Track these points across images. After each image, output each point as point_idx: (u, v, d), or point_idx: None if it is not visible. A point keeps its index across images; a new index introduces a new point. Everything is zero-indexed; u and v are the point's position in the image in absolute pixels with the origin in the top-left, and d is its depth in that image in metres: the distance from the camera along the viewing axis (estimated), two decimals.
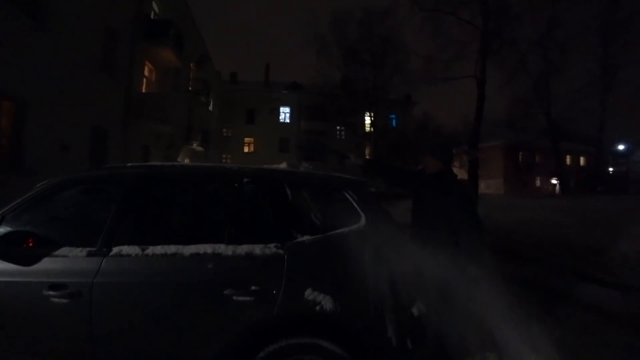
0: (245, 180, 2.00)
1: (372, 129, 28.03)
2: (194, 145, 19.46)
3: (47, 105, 7.89)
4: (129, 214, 1.92)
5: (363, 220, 2.00)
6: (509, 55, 16.65)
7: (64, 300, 1.72)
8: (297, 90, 33.19)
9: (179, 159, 16.99)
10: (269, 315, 1.72)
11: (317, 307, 1.72)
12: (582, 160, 37.65)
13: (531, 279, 5.43)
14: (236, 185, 2.00)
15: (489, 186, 31.98)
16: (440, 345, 2.29)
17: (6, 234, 1.89)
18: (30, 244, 1.89)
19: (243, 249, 1.81)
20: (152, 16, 13.55)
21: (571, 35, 19.69)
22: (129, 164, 2.17)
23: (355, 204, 2.05)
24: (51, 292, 1.72)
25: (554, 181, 31.94)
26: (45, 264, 1.79)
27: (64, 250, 1.83)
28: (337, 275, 1.85)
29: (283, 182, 2.05)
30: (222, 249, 1.79)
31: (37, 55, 7.52)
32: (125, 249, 1.80)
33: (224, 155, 31.17)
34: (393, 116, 32.49)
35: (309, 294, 1.73)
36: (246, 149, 33.10)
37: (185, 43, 15.33)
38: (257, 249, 1.81)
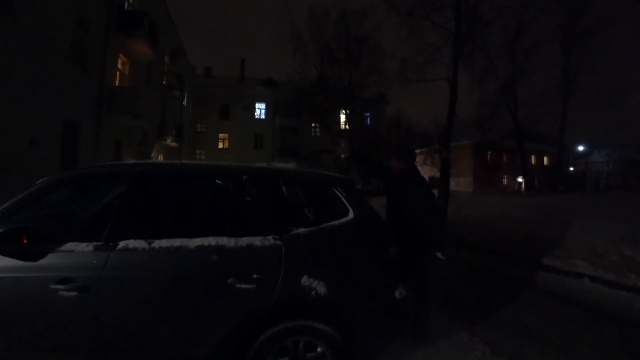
0: (243, 177, 2.14)
1: (347, 127, 28.38)
2: (168, 141, 19.04)
3: (13, 98, 7.54)
4: (134, 210, 2.02)
5: (351, 214, 2.20)
6: (479, 59, 17.46)
7: (72, 294, 1.80)
8: (273, 87, 33.00)
9: (152, 155, 16.59)
10: (270, 300, 1.88)
11: (313, 292, 1.91)
12: (545, 160, 39.78)
13: (496, 269, 5.88)
14: (235, 182, 2.15)
15: (459, 184, 33.23)
16: (416, 322, 2.70)
17: (3, 232, 1.93)
18: (25, 241, 1.95)
19: (244, 241, 1.96)
20: (125, 7, 13.14)
21: (536, 43, 20.90)
22: (130, 162, 2.26)
23: (343, 199, 2.25)
24: (59, 286, 1.79)
25: (519, 179, 33.64)
26: (51, 259, 1.85)
27: (69, 246, 1.89)
28: (330, 263, 2.05)
29: (278, 180, 2.22)
30: (225, 241, 1.94)
31: (3, 45, 7.17)
32: (132, 243, 1.90)
33: (197, 151, 30.56)
34: (367, 114, 32.99)
35: (304, 280, 1.92)
36: (220, 145, 32.58)
37: (160, 35, 14.96)
38: (257, 240, 1.97)
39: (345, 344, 1.99)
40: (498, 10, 12.87)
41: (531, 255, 6.32)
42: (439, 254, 2.79)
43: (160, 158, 18.43)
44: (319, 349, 2.00)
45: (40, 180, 2.13)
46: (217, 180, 2.52)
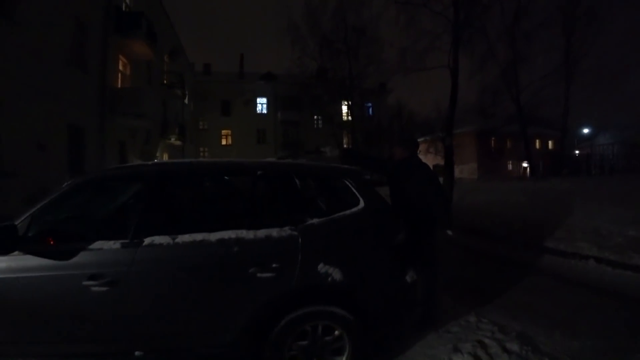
0: (258, 172, 2.25)
1: (349, 118, 28.34)
2: (172, 140, 19.18)
3: (20, 104, 7.67)
4: (156, 208, 2.14)
5: (361, 203, 2.31)
6: (479, 45, 17.33)
7: (103, 289, 1.93)
8: (273, 81, 32.95)
9: (157, 155, 16.73)
10: (289, 287, 2.01)
11: (329, 279, 2.03)
12: (550, 144, 39.45)
13: (501, 254, 5.99)
14: (251, 177, 2.26)
15: (463, 171, 33.19)
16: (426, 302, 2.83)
17: (35, 234, 2.06)
18: (51, 243, 2.08)
19: (262, 232, 2.08)
20: (123, 8, 13.17)
21: (536, 26, 20.67)
22: (150, 162, 2.37)
23: (354, 190, 2.36)
24: (91, 282, 1.92)
25: (524, 165, 33.53)
26: (82, 257, 1.98)
27: (98, 244, 2.02)
28: (343, 250, 2.17)
29: (292, 173, 2.33)
30: (245, 233, 2.06)
31: (6, 52, 7.26)
32: (157, 239, 2.02)
33: (201, 149, 30.71)
34: (369, 105, 32.92)
35: (321, 267, 2.04)
36: (223, 142, 32.71)
37: (158, 35, 15.00)
38: (275, 232, 2.09)
39: (361, 326, 2.12)
40: None
41: (535, 239, 6.41)
42: (449, 232, 2.97)
43: (165, 157, 18.60)
44: (336, 332, 2.12)
45: (67, 183, 2.24)
46: (226, 177, 2.62)
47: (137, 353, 1.98)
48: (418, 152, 3.28)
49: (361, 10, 23.79)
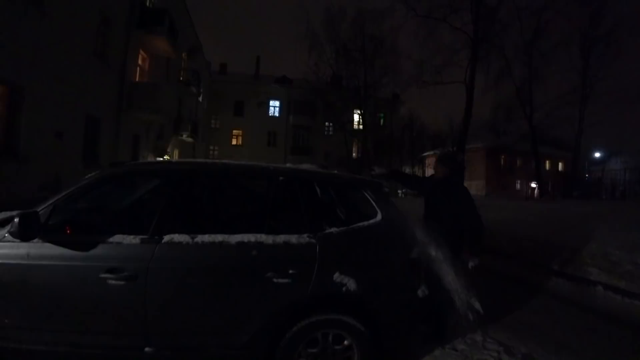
0: (280, 178, 2.29)
1: (360, 127, 28.41)
2: (184, 137, 19.39)
3: (42, 92, 7.86)
4: (178, 206, 2.18)
5: (379, 215, 2.34)
6: (495, 61, 17.39)
7: (121, 283, 1.96)
8: (287, 85, 33.20)
9: (168, 150, 16.92)
10: (304, 294, 2.03)
11: (344, 288, 2.05)
12: (560, 166, 39.08)
13: (509, 273, 5.93)
14: (273, 182, 2.29)
15: (471, 187, 32.80)
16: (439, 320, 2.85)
17: (56, 223, 2.11)
18: (69, 232, 2.12)
19: (281, 238, 2.11)
20: (147, 4, 13.44)
21: (554, 46, 20.62)
22: (175, 160, 2.42)
23: (372, 202, 2.38)
24: (108, 275, 1.95)
25: (533, 185, 33.21)
26: (101, 249, 2.02)
27: (117, 238, 2.05)
28: (359, 261, 2.19)
29: (313, 181, 2.36)
30: (264, 238, 2.09)
31: (32, 40, 7.47)
32: (177, 237, 2.06)
33: (211, 147, 30.98)
34: (381, 114, 32.98)
35: (337, 277, 2.06)
36: (234, 142, 32.98)
37: (179, 32, 15.26)
38: (293, 238, 2.12)
39: (371, 337, 2.13)
40: (516, 12, 12.82)
41: (544, 260, 6.35)
42: (470, 263, 3.02)
43: (176, 153, 18.79)
44: (346, 342, 2.14)
45: (91, 174, 2.29)
46: (249, 180, 2.67)
47: (147, 349, 2.00)
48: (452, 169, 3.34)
49: (381, 21, 24.01)
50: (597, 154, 36.53)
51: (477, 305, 3.03)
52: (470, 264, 3.05)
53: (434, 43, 13.49)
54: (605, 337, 3.47)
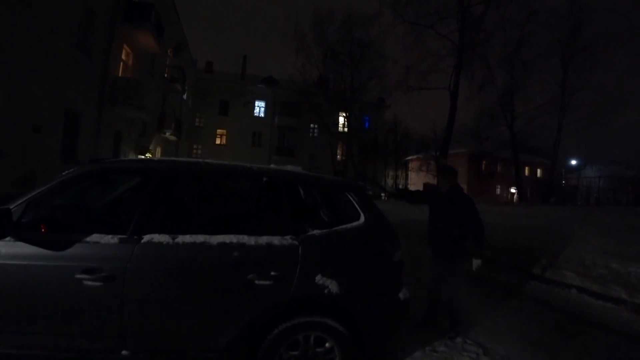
0: (264, 179, 2.27)
1: (345, 130, 28.55)
2: (167, 134, 19.04)
3: (20, 83, 7.56)
4: (159, 205, 2.13)
5: (362, 218, 2.35)
6: (479, 70, 17.80)
7: (97, 284, 1.89)
8: (274, 85, 33.04)
9: (151, 148, 16.58)
10: (286, 296, 2.02)
11: (325, 291, 2.05)
12: (539, 172, 40.21)
13: (487, 277, 6.04)
14: (257, 183, 2.27)
15: None
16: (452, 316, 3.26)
17: (29, 221, 2.02)
18: (43, 231, 2.03)
19: (264, 239, 2.09)
20: None
21: (536, 56, 21.27)
22: (157, 158, 2.36)
23: (355, 204, 2.39)
24: (84, 276, 1.88)
25: (512, 190, 34.05)
26: (77, 249, 1.94)
27: (94, 237, 1.98)
28: (342, 263, 2.19)
29: (296, 183, 2.35)
30: (246, 239, 2.07)
31: (12, 30, 7.18)
32: (157, 237, 2.01)
33: (195, 146, 30.52)
34: (366, 118, 33.22)
35: (319, 279, 2.06)
36: (218, 141, 32.52)
37: (165, 28, 14.99)
38: (276, 240, 2.10)
39: (352, 339, 2.13)
40: (500, 22, 13.17)
41: (521, 264, 6.51)
42: (477, 261, 3.33)
43: (159, 151, 18.43)
44: (327, 344, 2.13)
45: (67, 171, 2.21)
46: (232, 181, 2.64)
47: (124, 352, 1.94)
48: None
49: (368, 26, 24.27)
50: (574, 162, 37.80)
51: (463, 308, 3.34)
52: (475, 265, 3.33)
53: (420, 49, 13.75)
54: (579, 338, 3.60)
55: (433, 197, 3.71)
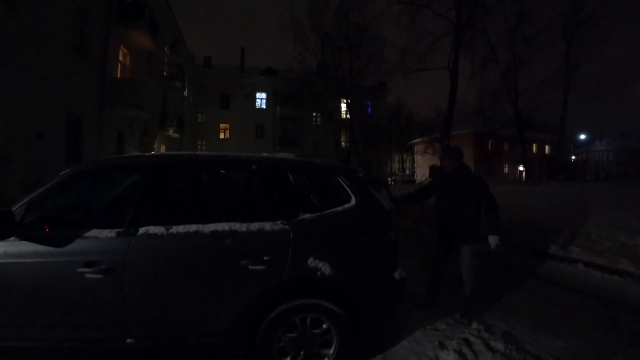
0: (253, 167, 2.30)
1: (347, 116, 28.36)
2: (170, 132, 19.15)
3: (20, 91, 7.66)
4: (152, 198, 2.18)
5: (353, 200, 2.37)
6: (480, 47, 17.43)
7: (98, 276, 1.97)
8: (273, 76, 32.85)
9: (154, 146, 16.71)
10: (279, 280, 2.06)
11: (319, 273, 2.08)
12: (546, 149, 39.67)
13: (491, 254, 6.03)
14: (246, 171, 2.30)
15: None
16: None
17: (31, 220, 2.10)
18: (47, 230, 2.12)
19: (255, 226, 2.13)
20: None
21: (538, 30, 20.72)
22: (148, 154, 2.41)
23: (346, 187, 2.40)
24: (86, 269, 1.97)
25: (520, 168, 33.72)
26: (77, 244, 2.02)
27: (93, 232, 2.06)
28: (334, 246, 2.22)
29: (286, 169, 2.37)
30: (238, 226, 2.11)
31: (6, 37, 7.23)
32: (152, 229, 2.07)
33: (199, 142, 30.64)
34: (368, 103, 32.91)
35: (311, 262, 2.09)
36: (221, 135, 32.63)
37: (159, 26, 14.94)
38: (267, 225, 2.14)
39: (348, 320, 2.17)
40: None
41: (526, 241, 6.49)
42: (493, 242, 3.24)
43: (162, 149, 18.57)
44: (324, 325, 2.18)
45: (64, 171, 2.28)
46: (222, 170, 2.67)
47: (128, 340, 2.02)
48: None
49: (364, 9, 23.83)
50: (582, 137, 37.16)
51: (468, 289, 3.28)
52: (493, 243, 3.24)
53: (416, 29, 13.45)
54: (583, 313, 3.58)
55: (441, 181, 3.54)
